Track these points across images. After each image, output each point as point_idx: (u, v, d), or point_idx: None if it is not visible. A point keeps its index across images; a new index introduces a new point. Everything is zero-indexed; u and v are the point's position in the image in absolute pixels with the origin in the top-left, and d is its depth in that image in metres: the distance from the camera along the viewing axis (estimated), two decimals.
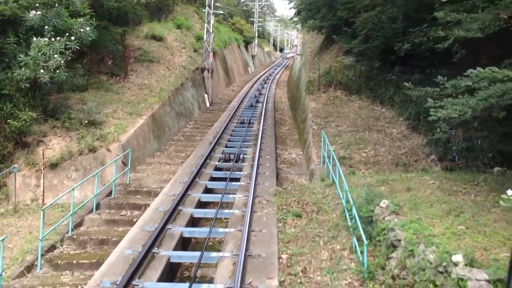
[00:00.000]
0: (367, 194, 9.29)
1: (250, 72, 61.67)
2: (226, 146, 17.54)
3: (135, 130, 15.34)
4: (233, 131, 20.59)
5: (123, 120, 15.80)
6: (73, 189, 10.43)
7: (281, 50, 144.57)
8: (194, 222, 10.16)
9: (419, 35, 15.77)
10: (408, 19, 20.38)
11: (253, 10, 73.48)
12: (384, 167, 14.41)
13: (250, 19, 73.38)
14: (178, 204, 10.25)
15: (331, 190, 11.38)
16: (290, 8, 79.82)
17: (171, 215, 9.61)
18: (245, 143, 18.14)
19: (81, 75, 17.19)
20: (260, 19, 76.77)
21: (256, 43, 69.62)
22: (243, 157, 15.54)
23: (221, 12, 33.15)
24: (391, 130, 16.73)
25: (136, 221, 9.83)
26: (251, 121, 23.20)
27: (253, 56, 69.04)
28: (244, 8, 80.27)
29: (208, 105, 29.89)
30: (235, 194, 11.47)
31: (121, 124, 15.26)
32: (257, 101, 31.52)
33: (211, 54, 31.03)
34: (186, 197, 10.95)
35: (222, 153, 15.84)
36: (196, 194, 11.24)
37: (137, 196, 12.45)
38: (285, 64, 79.70)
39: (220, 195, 11.07)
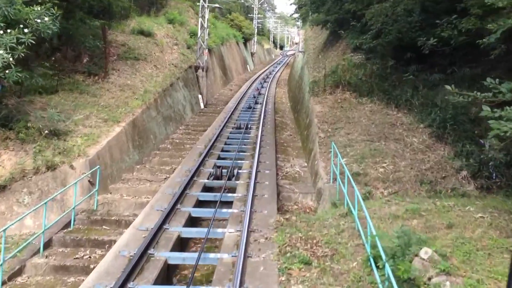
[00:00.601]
0: (400, 238, 6.86)
1: (249, 70, 59.21)
2: (219, 158, 15.08)
3: (109, 141, 12.89)
4: (228, 138, 18.14)
5: (96, 128, 13.35)
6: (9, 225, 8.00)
7: (281, 47, 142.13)
8: (169, 271, 7.71)
9: (447, 28, 13.30)
10: (426, 11, 18.00)
11: (252, 6, 70.96)
12: (406, 186, 12.00)
13: (249, 15, 70.89)
14: (149, 245, 7.79)
15: (346, 223, 8.93)
16: (291, 4, 77.42)
17: (138, 264, 7.16)
18: (241, 153, 15.69)
19: (50, 75, 14.76)
20: (259, 15, 74.26)
21: (255, 40, 67.13)
22: (237, 172, 13.09)
23: (218, 5, 30.66)
24: (411, 139, 14.28)
25: (94, 267, 7.41)
26: (249, 126, 20.75)
27: (252, 54, 66.56)
28: (243, 1, 77.82)
29: (202, 106, 27.45)
30: (225, 228, 9.03)
31: (92, 133, 12.81)
32: (256, 102, 29.07)
33: (206, 51, 28.55)
34: (162, 233, 8.50)
35: (213, 167, 13.41)
36: (175, 228, 8.77)
37: (104, 227, 9.99)
38: (285, 62, 77.19)
39: (205, 230, 8.61)
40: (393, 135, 14.67)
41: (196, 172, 12.77)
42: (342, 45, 23.53)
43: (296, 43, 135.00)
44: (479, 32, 13.06)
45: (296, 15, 79.89)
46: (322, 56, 25.17)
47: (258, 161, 14.20)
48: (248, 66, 60.14)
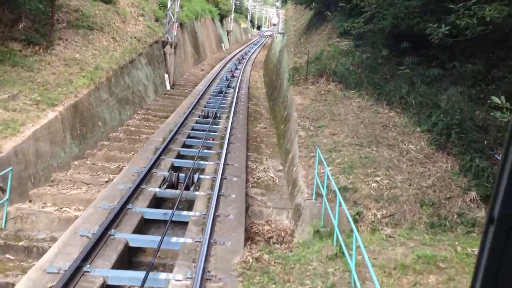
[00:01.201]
0: None
1: (224, 49, 56.15)
2: (178, 156, 12.50)
3: (36, 131, 10.14)
4: (192, 130, 15.56)
5: (22, 112, 10.55)
6: None
7: (259, 27, 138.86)
8: None
9: (463, 14, 10.99)
10: None
11: None
12: (404, 207, 9.82)
13: None
14: None
15: (337, 271, 6.60)
16: None
17: None
18: (206, 151, 13.19)
19: None
20: None
21: (232, 17, 63.87)
22: (198, 178, 10.59)
23: None
24: (407, 145, 12.08)
25: None
26: (218, 115, 18.17)
27: (228, 32, 63.35)
28: None
29: (168, 87, 24.62)
30: (171, 271, 6.55)
31: (14, 120, 10.02)
32: (228, 86, 26.41)
33: (176, 25, 25.59)
34: (79, 280, 5.96)
35: (169, 169, 10.87)
36: (100, 272, 6.23)
37: (7, 256, 7.37)
38: (262, 42, 74.25)
39: (143, 274, 6.08)
40: (386, 139, 12.43)
41: (147, 176, 10.20)
42: (328, 28, 21.06)
43: (274, 24, 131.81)
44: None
45: None
46: (304, 39, 22.67)
47: (225, 163, 11.73)
48: (223, 44, 57.06)
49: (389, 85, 15.45)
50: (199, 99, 21.13)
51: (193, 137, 14.82)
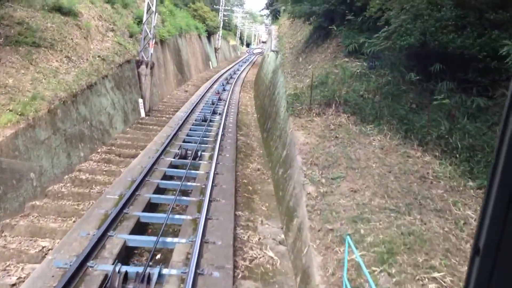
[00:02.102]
0: None
1: (211, 68, 52.74)
2: (136, 227, 8.70)
3: None
4: (162, 178, 11.81)
5: None
6: None
7: (248, 45, 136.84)
8: None
9: None
10: (462, 5, 12.77)
11: None
12: None
13: (215, 6, 64.28)
14: None
15: None
16: None
17: None
18: (177, 217, 9.40)
19: None
20: (226, 8, 67.80)
21: (220, 34, 60.65)
22: (159, 275, 6.82)
23: None
24: (463, 211, 8.50)
25: None
26: (199, 153, 14.45)
27: (216, 49, 60.05)
28: None
29: (143, 114, 20.91)
30: None
31: None
32: (214, 112, 22.77)
33: (153, 42, 21.99)
34: None
35: (115, 261, 7.11)
36: None
37: None
38: (252, 60, 71.18)
39: None
40: (430, 200, 8.84)
41: (78, 273, 6.42)
42: (332, 46, 17.60)
43: (264, 42, 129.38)
44: None
45: (265, 11, 74.06)
46: (303, 59, 19.18)
47: (203, 241, 7.99)
48: (210, 63, 53.65)
49: (419, 119, 12.01)
50: (178, 129, 17.44)
51: (162, 191, 11.09)
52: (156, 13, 22.17)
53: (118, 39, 20.15)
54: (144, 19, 21.90)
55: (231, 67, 55.42)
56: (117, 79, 17.99)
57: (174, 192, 10.78)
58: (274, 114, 18.17)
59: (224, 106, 24.61)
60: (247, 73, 50.94)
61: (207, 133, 17.90)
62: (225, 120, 20.88)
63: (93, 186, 11.22)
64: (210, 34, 56.25)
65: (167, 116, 21.82)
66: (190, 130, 18.27)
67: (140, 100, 20.89)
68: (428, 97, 12.29)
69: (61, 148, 11.66)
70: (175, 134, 16.62)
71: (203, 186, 11.16)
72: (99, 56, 16.83)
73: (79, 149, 12.80)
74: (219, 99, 27.42)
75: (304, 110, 13.87)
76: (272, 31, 31.78)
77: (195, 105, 24.14)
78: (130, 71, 20.19)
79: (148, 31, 21.76)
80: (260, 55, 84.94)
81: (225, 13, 65.30)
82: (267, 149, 17.08)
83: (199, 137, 16.78)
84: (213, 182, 11.32)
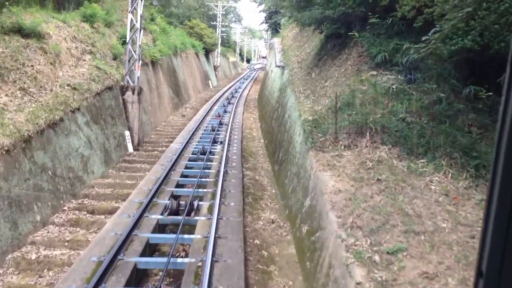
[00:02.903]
0: None
1: (211, 87, 49.79)
2: None
3: None
4: (145, 248, 8.53)
5: None
6: None
7: (248, 61, 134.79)
8: None
9: None
10: None
11: (216, 12, 61.79)
12: None
13: (212, 22, 61.64)
14: None
15: None
16: (260, 12, 68.64)
17: None
18: None
19: None
20: (224, 24, 65.15)
21: (219, 51, 57.83)
22: None
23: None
24: None
25: None
26: (196, 204, 11.16)
27: (215, 67, 57.19)
28: (206, 10, 68.72)
29: (130, 149, 17.73)
30: None
31: None
32: (215, 141, 19.54)
33: (139, 64, 18.92)
34: None
35: None
36: None
37: None
38: (254, 76, 68.36)
39: None
40: None
41: None
42: (352, 56, 14.40)
43: (264, 57, 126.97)
44: None
45: (264, 26, 71.30)
46: (317, 74, 15.99)
47: None
48: (210, 82, 50.71)
49: (491, 149, 8.74)
50: (170, 168, 14.23)
51: (141, 275, 7.80)
52: (141, 31, 19.14)
53: (97, 62, 17.09)
54: (128, 38, 18.88)
55: (232, 85, 52.48)
56: (95, 111, 14.86)
57: (157, 277, 7.51)
58: (287, 143, 14.94)
59: (226, 132, 21.43)
60: (249, 90, 47.93)
61: (206, 170, 14.67)
62: (228, 150, 17.67)
63: (45, 271, 7.95)
64: (208, 51, 53.44)
65: (160, 149, 18.64)
66: (185, 168, 15.03)
67: (127, 133, 17.74)
68: (494, 116, 9.08)
69: (2, 217, 8.44)
70: (166, 175, 13.40)
71: (199, 264, 7.87)
72: (69, 85, 13.73)
73: (33, 212, 9.57)
74: (220, 124, 24.27)
75: (329, 141, 10.64)
76: (275, 45, 28.75)
77: (193, 133, 20.96)
78: (113, 99, 17.08)
79: (133, 52, 18.71)
80: (261, 70, 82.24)
81: (223, 29, 62.61)
82: (280, 188, 13.81)
83: (196, 177, 13.55)
84: (213, 255, 8.04)
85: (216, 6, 61.55)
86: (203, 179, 13.63)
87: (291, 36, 26.82)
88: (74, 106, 13.14)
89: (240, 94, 41.53)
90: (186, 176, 14.25)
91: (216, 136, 20.89)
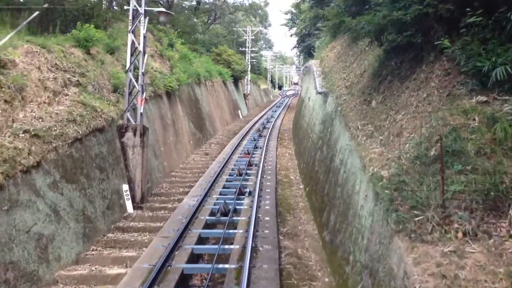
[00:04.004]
0: None
1: (241, 117, 45.69)
2: None
3: None
4: None
5: None
6: None
7: (280, 87, 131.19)
8: None
9: None
10: None
11: (245, 37, 58.30)
12: None
13: (241, 49, 58.12)
14: None
15: None
16: (291, 35, 64.68)
17: None
18: None
19: None
20: (253, 49, 61.51)
21: (248, 78, 53.95)
22: None
23: (162, 10, 16.56)
24: None
25: None
26: None
27: (245, 96, 53.25)
28: (235, 37, 65.50)
29: (130, 209, 13.41)
30: None
31: None
32: (241, 191, 15.00)
33: (142, 97, 14.79)
34: None
35: None
36: None
37: None
38: (287, 103, 64.12)
39: None
40: None
41: None
42: (435, 75, 9.64)
43: (296, 83, 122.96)
44: None
45: (296, 51, 67.21)
46: (380, 102, 11.28)
47: None
48: (239, 111, 46.66)
49: None
50: (175, 245, 9.79)
51: None
52: (145, 55, 15.05)
53: (84, 97, 13.04)
54: (128, 63, 14.82)
55: (263, 114, 48.26)
56: (70, 165, 10.65)
57: None
58: (342, 202, 10.25)
59: (257, 177, 16.93)
60: (282, 119, 43.52)
61: (227, 247, 10.10)
62: (258, 206, 13.16)
63: None
64: (237, 79, 49.60)
65: (170, 205, 14.26)
66: (196, 242, 10.50)
67: (125, 187, 13.47)
68: None
69: None
70: (166, 260, 8.93)
71: None
72: (27, 132, 9.59)
73: None
74: (249, 164, 19.77)
75: (432, 222, 5.93)
76: (312, 67, 24.32)
77: (215, 179, 16.56)
78: (105, 144, 12.90)
79: (134, 81, 14.61)
80: (294, 96, 77.99)
81: (252, 54, 58.87)
82: (338, 276, 9.04)
83: (210, 261, 9.02)
84: None
85: (245, 31, 58.10)
86: (220, 266, 9.06)
87: (332, 57, 22.33)
88: (28, 163, 8.94)
89: (273, 125, 37.13)
90: (196, 260, 9.75)
91: (244, 183, 16.40)
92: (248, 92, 53.64)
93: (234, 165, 19.94)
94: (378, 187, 7.56)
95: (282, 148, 27.31)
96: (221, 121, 36.24)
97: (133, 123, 14.52)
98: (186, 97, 25.88)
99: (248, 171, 18.53)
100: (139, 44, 14.90)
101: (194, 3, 53.58)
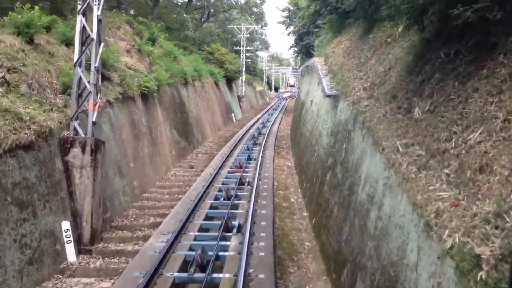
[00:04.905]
0: None
1: (234, 121, 42.02)
2: None
3: None
4: None
5: None
6: None
7: (276, 89, 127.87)
8: None
9: None
10: None
11: (239, 36, 54.64)
12: None
13: (236, 47, 54.46)
14: None
15: None
16: (289, 34, 60.98)
17: None
18: None
19: None
20: (249, 48, 57.84)
21: (243, 79, 50.27)
22: None
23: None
24: None
25: None
26: None
27: (239, 98, 49.56)
28: (230, 36, 61.95)
29: (71, 257, 9.68)
30: None
31: None
32: (228, 226, 11.26)
33: (95, 101, 11.06)
34: None
35: None
36: None
37: None
38: (283, 106, 60.54)
39: None
40: None
41: None
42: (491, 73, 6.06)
43: (292, 85, 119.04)
44: None
45: (293, 50, 63.49)
46: (427, 111, 7.64)
47: None
48: (233, 115, 42.97)
49: None
50: None
51: None
52: (101, 44, 11.32)
53: (9, 100, 9.32)
54: (76, 55, 11.07)
55: (259, 118, 44.57)
56: None
57: None
58: (383, 272, 6.58)
59: (249, 201, 13.24)
60: (279, 124, 39.86)
61: None
62: (249, 254, 9.46)
63: None
64: (230, 80, 45.92)
65: (131, 248, 10.52)
66: None
67: (66, 225, 9.73)
68: None
69: None
70: None
71: None
72: None
73: None
74: (241, 183, 16.06)
75: None
76: (315, 65, 20.67)
77: (195, 207, 12.82)
78: (35, 166, 9.19)
79: (84, 79, 10.87)
80: (291, 98, 74.40)
81: (247, 54, 55.16)
82: None
83: None
84: None
85: (240, 29, 54.47)
86: None
87: (340, 53, 18.67)
88: None
89: (269, 130, 33.43)
90: None
91: (233, 210, 12.69)
92: (243, 94, 49.95)
93: (222, 183, 16.24)
94: (473, 281, 3.89)
95: (279, 158, 23.63)
96: (211, 126, 32.52)
97: (81, 135, 10.79)
98: (168, 99, 22.16)
99: (238, 193, 14.81)
100: (91, 30, 11.16)
101: None
